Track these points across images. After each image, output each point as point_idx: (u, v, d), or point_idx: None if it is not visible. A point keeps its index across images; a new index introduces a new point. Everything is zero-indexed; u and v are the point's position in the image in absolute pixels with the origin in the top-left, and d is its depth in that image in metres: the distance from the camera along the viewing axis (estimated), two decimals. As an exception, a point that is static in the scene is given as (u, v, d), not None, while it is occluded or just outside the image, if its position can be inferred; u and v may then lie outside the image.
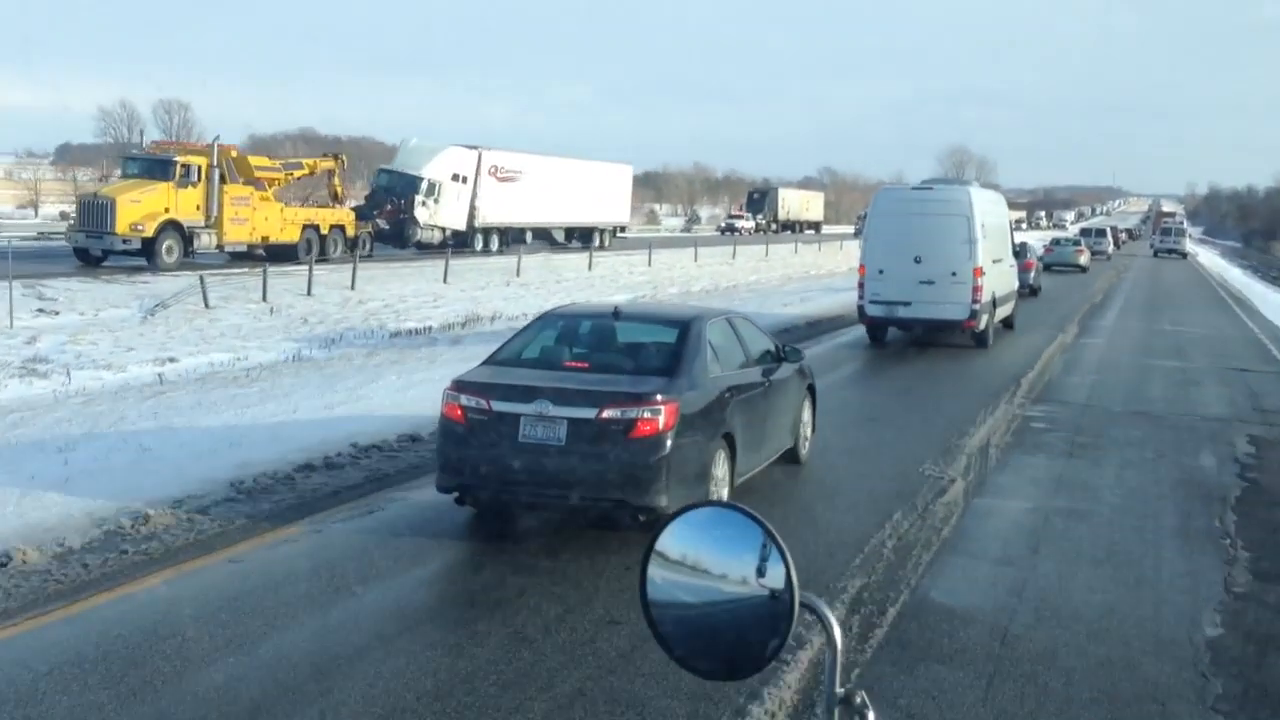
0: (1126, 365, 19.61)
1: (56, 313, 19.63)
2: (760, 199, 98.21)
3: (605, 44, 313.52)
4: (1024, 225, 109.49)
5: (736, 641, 1.84)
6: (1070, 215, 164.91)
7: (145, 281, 25.01)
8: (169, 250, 29.70)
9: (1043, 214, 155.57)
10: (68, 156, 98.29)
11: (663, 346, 8.77)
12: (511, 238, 46.82)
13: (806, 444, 10.88)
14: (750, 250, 52.11)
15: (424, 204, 42.10)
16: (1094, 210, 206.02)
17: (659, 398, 7.79)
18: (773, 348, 10.26)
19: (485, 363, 8.92)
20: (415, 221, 41.81)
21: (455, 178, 43.65)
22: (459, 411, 8.05)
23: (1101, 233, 69.26)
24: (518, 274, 31.57)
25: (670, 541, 1.89)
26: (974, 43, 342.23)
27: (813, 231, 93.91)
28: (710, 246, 51.39)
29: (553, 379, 8.17)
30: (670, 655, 1.88)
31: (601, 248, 51.22)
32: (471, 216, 44.75)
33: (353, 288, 25.37)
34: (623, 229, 58.28)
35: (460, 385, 8.18)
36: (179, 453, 10.06)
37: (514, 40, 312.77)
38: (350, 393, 13.39)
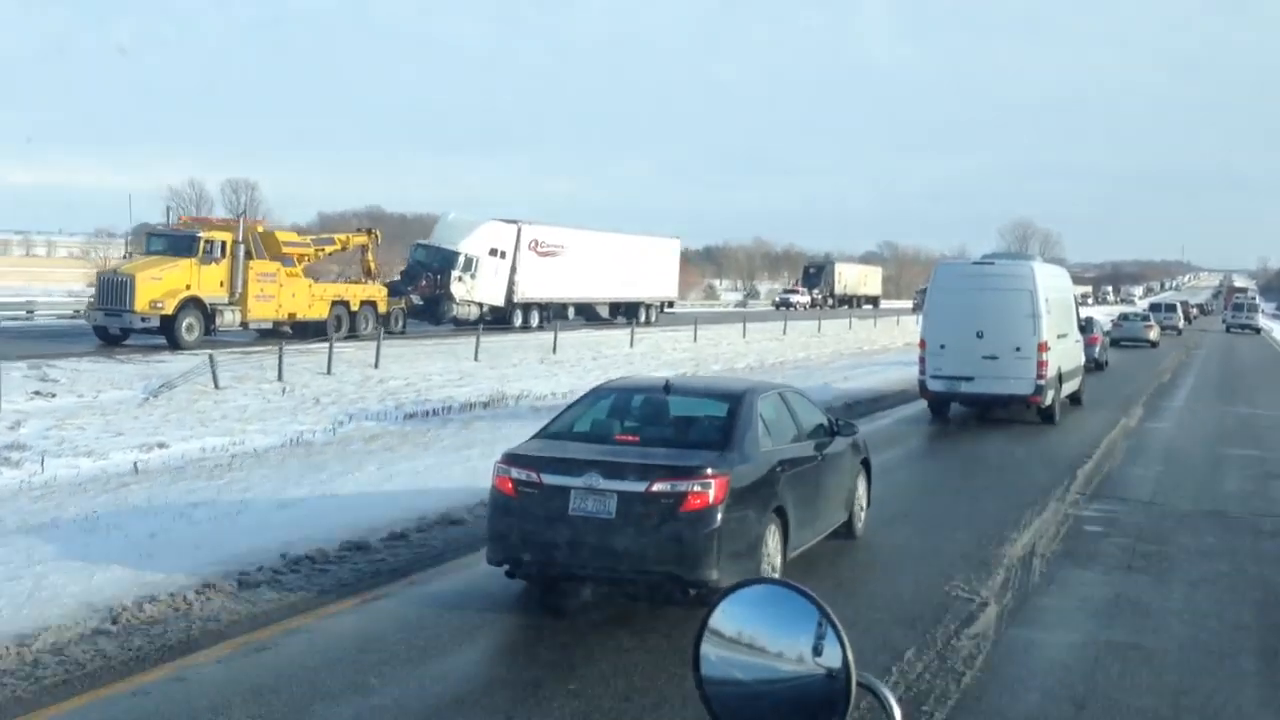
0: (1197, 454, 17.75)
1: (54, 395, 18.58)
2: (817, 273, 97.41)
3: (666, 120, 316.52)
4: (1090, 300, 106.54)
5: None
6: (1139, 290, 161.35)
7: (161, 360, 24.09)
8: (189, 328, 28.92)
9: (1109, 289, 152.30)
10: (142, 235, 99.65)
11: (714, 420, 8.79)
12: (553, 313, 45.69)
13: (862, 517, 10.80)
14: (802, 326, 50.12)
15: (460, 279, 41.33)
16: (1163, 285, 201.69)
17: (709, 471, 7.79)
18: (826, 422, 10.22)
19: (536, 436, 8.98)
20: (451, 297, 41.08)
21: (493, 252, 42.79)
22: (509, 484, 8.08)
23: (1172, 308, 68.57)
24: (554, 351, 30.43)
25: (724, 619, 1.88)
26: (1040, 117, 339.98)
27: (871, 306, 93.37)
28: (762, 322, 49.67)
29: (603, 452, 8.21)
30: None
31: (647, 323, 50.57)
32: (510, 292, 43.71)
33: (376, 366, 24.19)
34: (670, 304, 57.01)
35: (511, 459, 8.23)
36: (62, 573, 8.58)
37: (577, 117, 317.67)
38: (320, 485, 12.14)
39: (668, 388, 9.26)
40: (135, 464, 13.47)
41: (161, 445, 14.50)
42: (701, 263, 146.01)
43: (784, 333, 45.19)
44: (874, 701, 1.79)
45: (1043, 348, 18.99)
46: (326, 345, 24.69)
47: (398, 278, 42.07)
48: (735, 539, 7.79)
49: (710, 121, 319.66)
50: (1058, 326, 20.26)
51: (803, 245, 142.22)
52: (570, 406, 9.57)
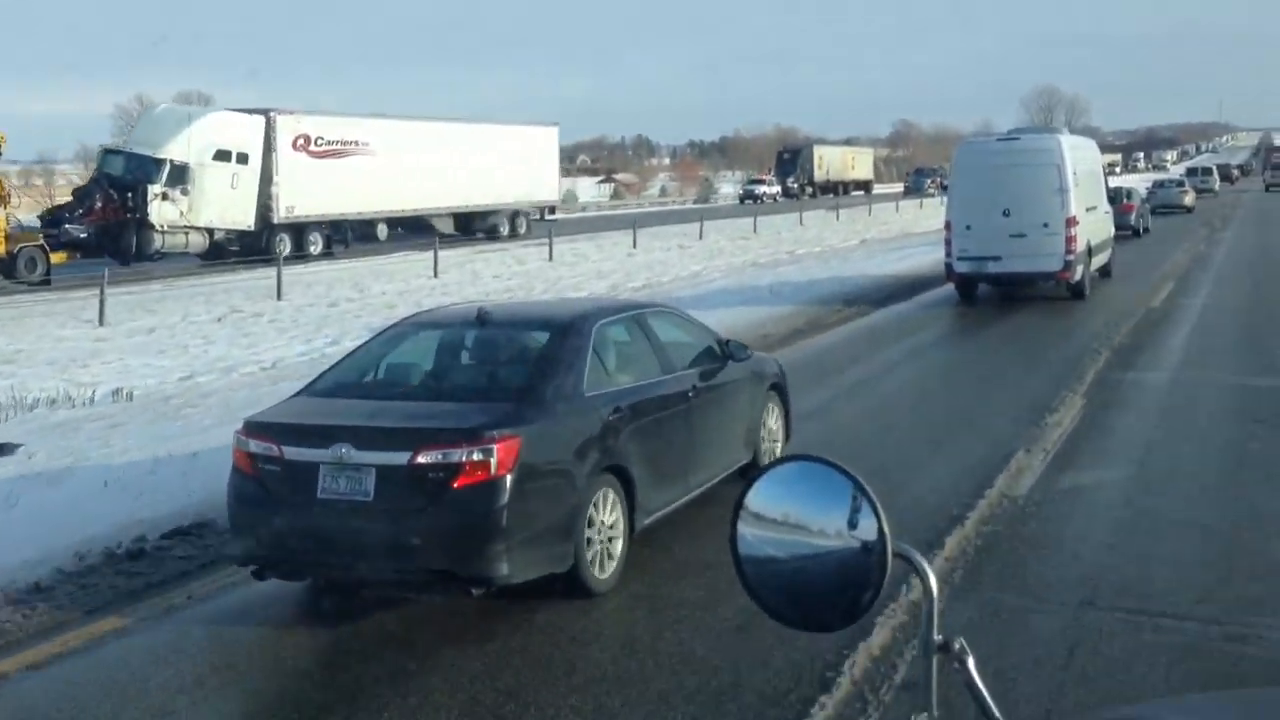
0: (1226, 324, 17.59)
1: None
2: (792, 159, 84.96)
3: (679, 14, 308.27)
4: (1118, 169, 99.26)
5: (830, 594, 1.83)
6: (1171, 155, 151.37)
7: None
8: None
9: (1141, 155, 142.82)
10: (86, 158, 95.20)
11: (523, 360, 7.16)
12: (351, 233, 35.81)
13: (777, 453, 8.89)
14: (743, 225, 41.77)
15: (165, 197, 30.04)
16: (1198, 148, 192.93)
17: (493, 434, 6.01)
18: (715, 346, 8.40)
19: (300, 392, 7.21)
20: (149, 224, 29.90)
21: (223, 156, 31.59)
22: (247, 461, 6.39)
23: (1208, 171, 67.76)
24: (279, 296, 21.93)
25: (759, 498, 1.89)
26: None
27: (862, 194, 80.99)
28: (715, 220, 42.68)
29: (366, 414, 6.51)
30: (764, 609, 1.88)
31: (513, 236, 40.48)
32: (266, 208, 32.49)
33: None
34: (552, 210, 45.46)
35: (251, 428, 6.49)
36: None
37: (588, 15, 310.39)
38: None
39: (482, 318, 7.39)
40: None
41: None
42: (713, 155, 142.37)
43: (700, 237, 37.09)
44: (909, 568, 1.80)
45: (1071, 222, 18.75)
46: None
47: (69, 199, 31.43)
48: (533, 519, 6.17)
49: (726, 11, 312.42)
50: (1086, 199, 19.96)
51: (822, 132, 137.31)
52: (354, 350, 7.86)
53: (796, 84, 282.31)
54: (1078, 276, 19.31)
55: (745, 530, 1.89)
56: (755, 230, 40.18)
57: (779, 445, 9.07)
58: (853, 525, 1.80)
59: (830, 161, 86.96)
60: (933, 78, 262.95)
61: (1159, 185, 51.78)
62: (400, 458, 6.04)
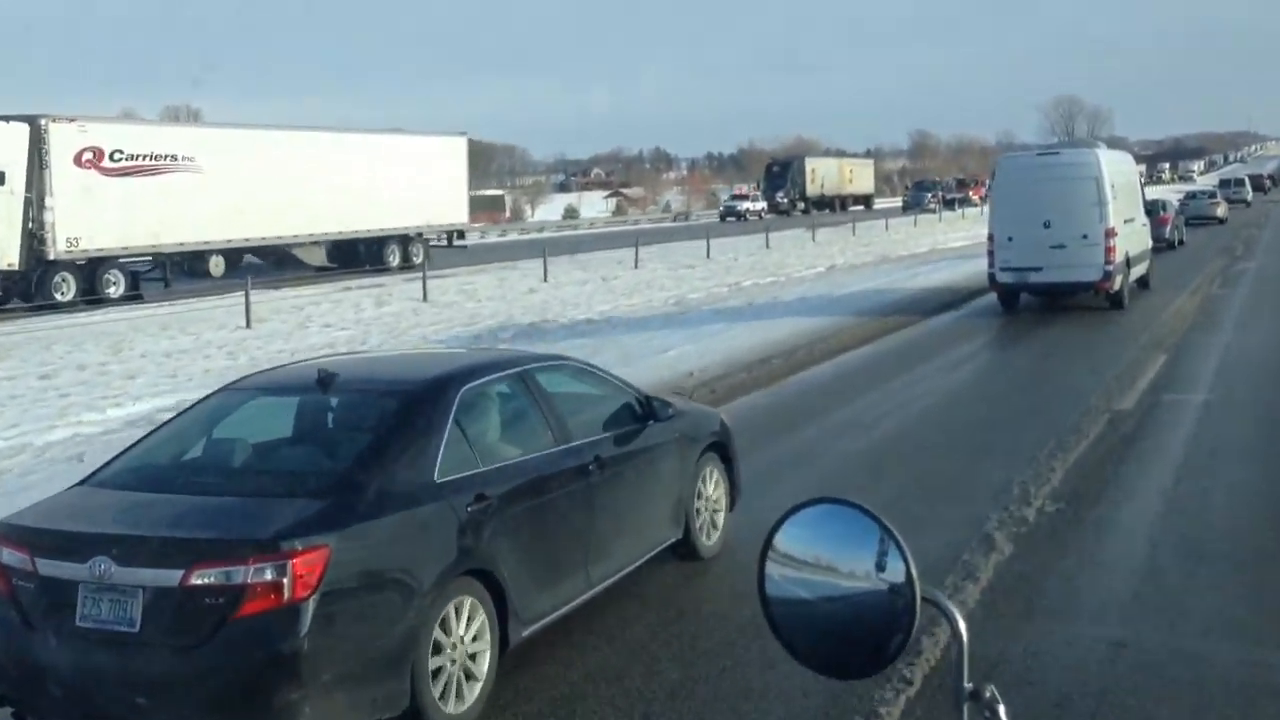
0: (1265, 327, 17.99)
1: None
2: (782, 172, 78.02)
3: (693, 26, 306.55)
4: (1142, 180, 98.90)
5: (859, 638, 1.82)
6: (1198, 165, 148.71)
7: None
8: None
9: (1166, 166, 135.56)
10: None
11: (352, 439, 5.63)
12: (171, 269, 28.53)
13: (715, 530, 7.43)
14: (697, 249, 35.53)
15: None
16: (1227, 158, 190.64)
17: (292, 544, 4.58)
18: (633, 404, 6.92)
19: (82, 481, 5.65)
20: None
21: None
22: (1, 575, 4.97)
23: (1240, 182, 68.14)
24: None
25: (786, 539, 1.88)
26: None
27: (862, 208, 75.31)
28: (689, 241, 37.65)
29: (139, 517, 5.07)
30: (793, 655, 1.86)
31: (407, 267, 32.76)
32: (37, 242, 25.34)
33: None
34: (460, 235, 37.96)
35: (3, 532, 5.09)
36: None
37: (607, 28, 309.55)
38: None
39: (323, 381, 5.78)
40: None
41: None
42: (729, 168, 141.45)
43: (635, 265, 31.15)
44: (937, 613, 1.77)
45: (1110, 233, 19.19)
46: None
47: None
48: (348, 653, 4.74)
49: (740, 23, 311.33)
50: (1124, 212, 20.41)
51: (841, 143, 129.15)
52: (164, 424, 6.34)
53: (814, 94, 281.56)
54: (1117, 286, 19.67)
55: (773, 570, 1.89)
56: (708, 255, 33.99)
57: (720, 514, 7.53)
58: (880, 568, 1.81)
59: (824, 174, 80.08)
60: (952, 87, 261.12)
61: (1191, 196, 51.75)
62: (171, 577, 4.62)
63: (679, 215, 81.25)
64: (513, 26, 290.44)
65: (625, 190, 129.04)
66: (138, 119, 31.22)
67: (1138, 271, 21.94)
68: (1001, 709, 1.74)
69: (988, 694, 1.75)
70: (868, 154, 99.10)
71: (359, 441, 5.57)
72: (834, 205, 76.10)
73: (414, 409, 5.61)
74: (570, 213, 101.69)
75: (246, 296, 20.61)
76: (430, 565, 5.09)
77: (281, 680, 4.58)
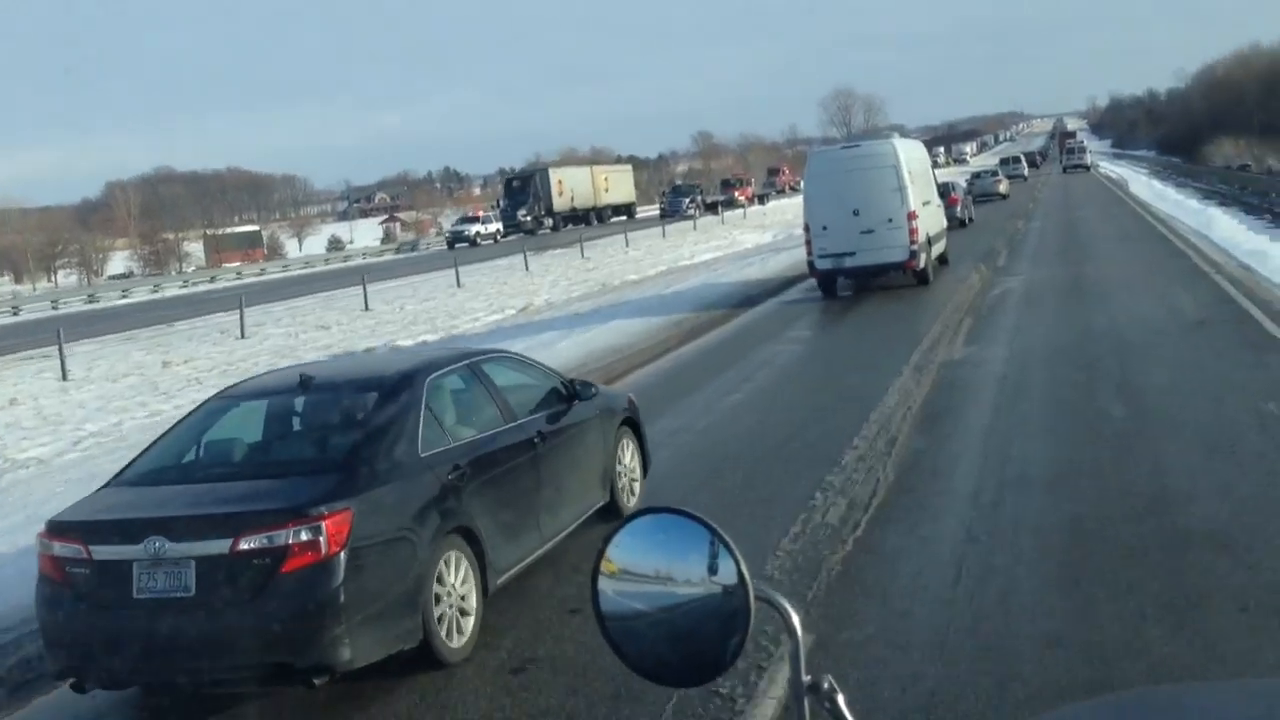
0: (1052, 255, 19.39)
1: None
2: (523, 186, 69.14)
3: (480, 46, 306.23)
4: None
5: (697, 644, 1.80)
6: (969, 147, 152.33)
7: None
8: None
9: (941, 150, 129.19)
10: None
11: (348, 426, 6.55)
12: None
13: (634, 494, 8.49)
14: (375, 291, 28.99)
15: None
16: (997, 138, 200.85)
17: (321, 509, 5.46)
18: (560, 387, 7.97)
19: (108, 484, 6.39)
20: None
21: None
22: (54, 566, 5.70)
23: (1017, 160, 73.73)
24: None
25: (618, 552, 1.85)
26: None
27: (626, 218, 70.77)
28: (375, 284, 29.97)
29: (180, 501, 5.89)
30: (632, 667, 1.82)
31: None
32: None
33: None
34: None
35: (53, 529, 5.79)
36: None
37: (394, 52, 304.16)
38: None
39: (304, 383, 6.77)
40: None
41: None
42: (494, 186, 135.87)
43: (241, 335, 22.97)
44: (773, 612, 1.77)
45: (912, 216, 20.41)
46: None
47: None
48: (374, 596, 5.63)
49: (529, 37, 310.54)
50: (922, 195, 21.66)
51: (620, 149, 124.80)
52: (165, 433, 7.03)
53: (604, 105, 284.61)
54: (922, 264, 20.94)
55: (606, 586, 1.85)
56: (367, 307, 26.66)
57: (637, 481, 8.57)
58: (713, 571, 1.79)
59: (574, 185, 71.43)
60: (736, 87, 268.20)
61: (976, 176, 54.63)
62: (220, 546, 5.42)
63: (402, 246, 73.66)
64: (294, 55, 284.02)
65: (400, 215, 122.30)
66: None
67: (937, 249, 23.23)
68: (840, 698, 1.73)
69: (825, 685, 1.74)
70: (660, 159, 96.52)
71: (352, 428, 6.48)
72: (588, 218, 69.16)
73: (393, 398, 6.47)
74: (335, 244, 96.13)
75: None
76: (426, 524, 5.97)
77: (326, 619, 5.42)
